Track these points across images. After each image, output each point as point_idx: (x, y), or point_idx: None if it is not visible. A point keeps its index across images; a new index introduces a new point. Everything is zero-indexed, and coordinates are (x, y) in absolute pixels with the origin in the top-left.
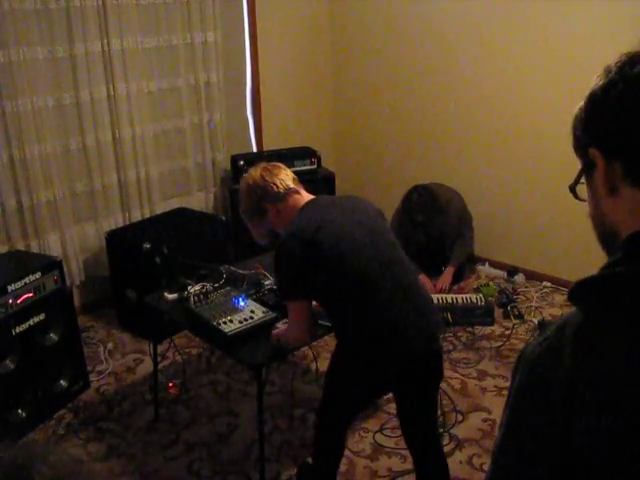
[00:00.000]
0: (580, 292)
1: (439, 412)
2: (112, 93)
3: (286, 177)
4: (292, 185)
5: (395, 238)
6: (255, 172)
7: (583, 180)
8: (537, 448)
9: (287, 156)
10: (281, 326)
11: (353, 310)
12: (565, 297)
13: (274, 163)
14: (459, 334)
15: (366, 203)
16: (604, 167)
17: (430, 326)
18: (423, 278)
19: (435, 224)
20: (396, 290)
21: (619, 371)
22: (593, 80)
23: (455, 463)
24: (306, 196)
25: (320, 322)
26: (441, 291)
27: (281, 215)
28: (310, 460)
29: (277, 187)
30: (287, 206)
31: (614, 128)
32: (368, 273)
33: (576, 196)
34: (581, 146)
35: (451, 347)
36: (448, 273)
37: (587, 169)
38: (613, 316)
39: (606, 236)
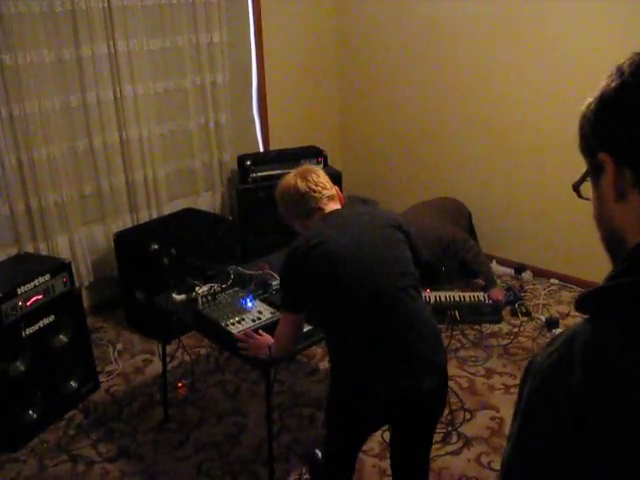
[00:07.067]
0: (588, 303)
1: (447, 410)
2: (119, 95)
3: (321, 194)
4: (321, 205)
5: (409, 258)
6: (298, 183)
7: (587, 180)
8: (549, 460)
9: (293, 155)
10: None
11: (344, 337)
12: (572, 294)
13: (318, 179)
14: (467, 332)
15: (385, 218)
16: (614, 173)
17: (435, 358)
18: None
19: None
20: (396, 318)
21: (629, 385)
22: (603, 80)
23: (463, 461)
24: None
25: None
26: (497, 301)
27: (306, 227)
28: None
29: (309, 204)
30: (312, 222)
31: (627, 134)
32: (363, 300)
33: (580, 195)
34: (589, 148)
35: (459, 345)
36: (495, 293)
37: (594, 171)
38: (622, 329)
39: (612, 239)
